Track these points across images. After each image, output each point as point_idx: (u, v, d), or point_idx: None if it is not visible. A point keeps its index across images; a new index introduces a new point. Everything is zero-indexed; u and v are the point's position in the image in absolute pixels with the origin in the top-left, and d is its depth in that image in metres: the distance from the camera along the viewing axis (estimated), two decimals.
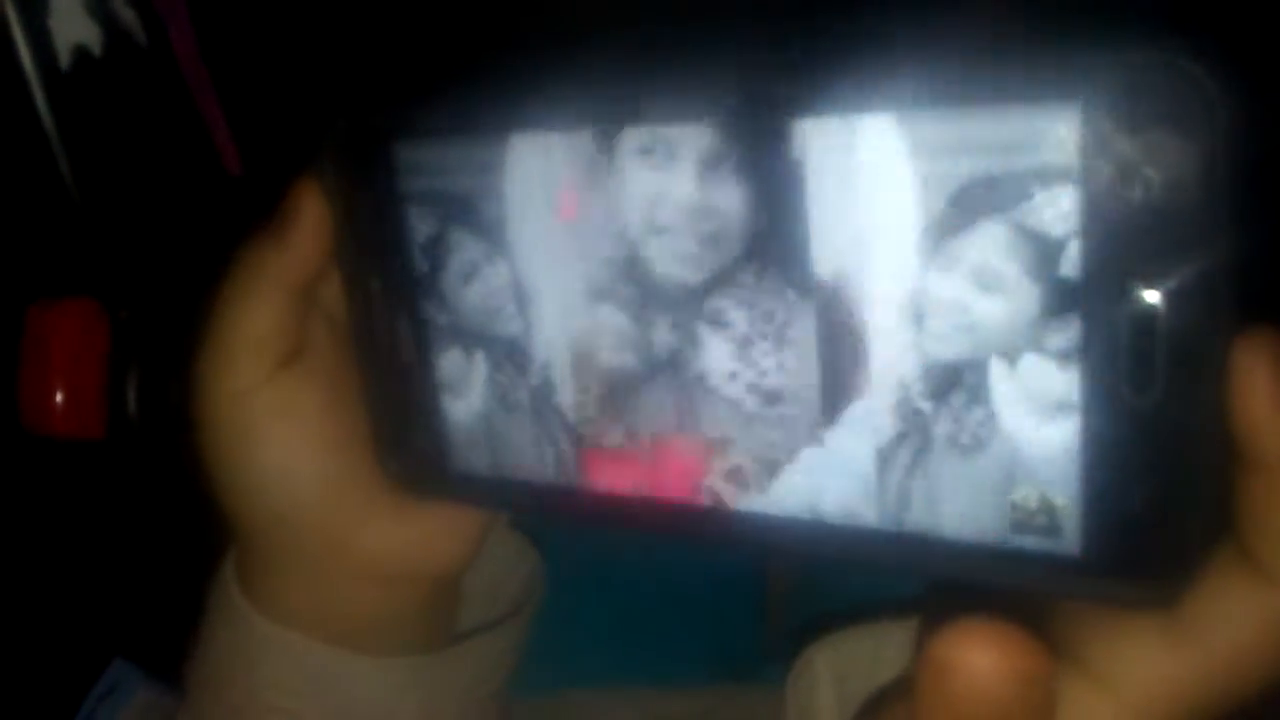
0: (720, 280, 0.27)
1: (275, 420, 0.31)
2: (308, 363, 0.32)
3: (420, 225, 0.31)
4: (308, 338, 0.32)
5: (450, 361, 0.32)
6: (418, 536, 0.34)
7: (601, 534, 0.42)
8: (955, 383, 0.24)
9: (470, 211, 0.30)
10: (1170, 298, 0.21)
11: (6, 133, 0.41)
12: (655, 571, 0.44)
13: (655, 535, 0.32)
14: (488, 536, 0.36)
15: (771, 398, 0.27)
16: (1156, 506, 0.22)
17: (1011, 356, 0.23)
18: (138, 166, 0.44)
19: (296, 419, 0.32)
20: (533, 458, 0.31)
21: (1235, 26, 0.25)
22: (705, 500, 0.29)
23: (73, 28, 0.41)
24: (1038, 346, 0.23)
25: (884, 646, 0.32)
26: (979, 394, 0.24)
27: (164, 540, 0.47)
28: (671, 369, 0.28)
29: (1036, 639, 0.22)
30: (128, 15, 0.43)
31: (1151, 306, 0.21)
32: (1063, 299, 0.22)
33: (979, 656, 0.22)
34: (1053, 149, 0.22)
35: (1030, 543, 0.24)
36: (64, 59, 0.41)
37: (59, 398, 0.41)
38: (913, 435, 0.25)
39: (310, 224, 0.31)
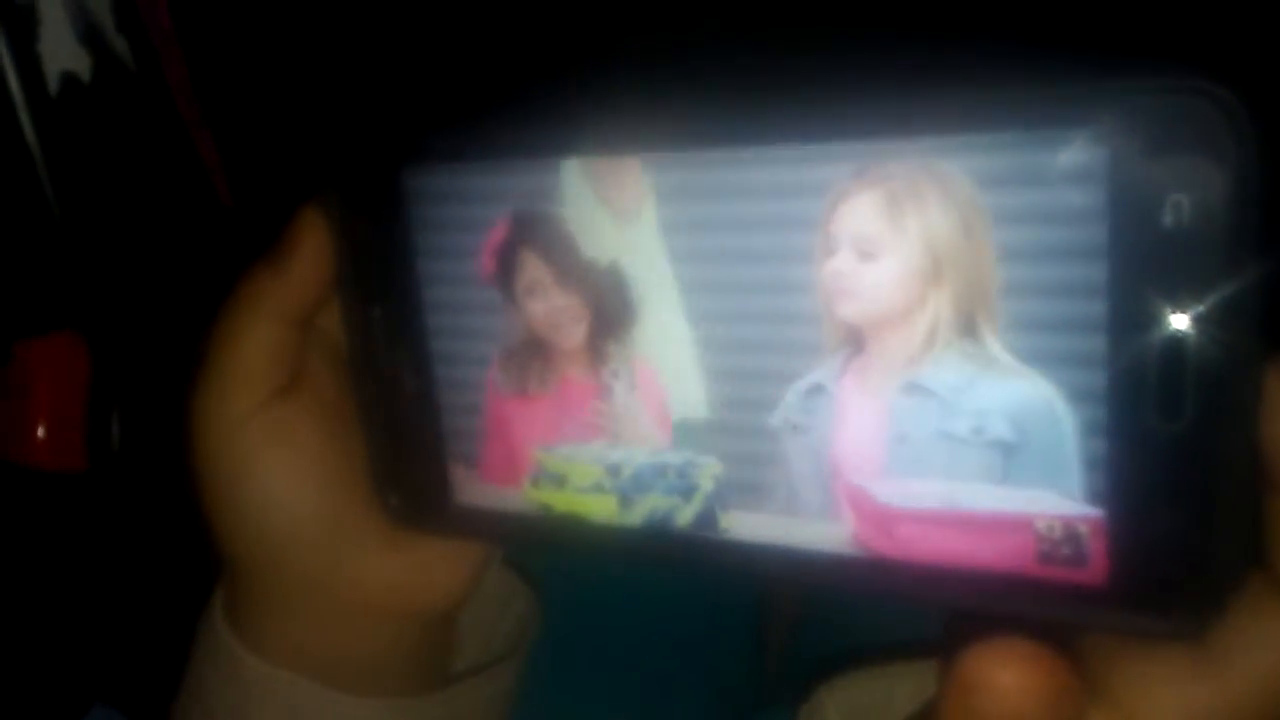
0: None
1: (270, 450, 0.31)
2: (305, 393, 0.32)
3: (423, 255, 0.30)
4: (305, 367, 0.32)
5: (451, 393, 0.31)
6: (414, 571, 0.33)
7: (597, 573, 0.42)
8: (981, 414, 0.24)
9: (474, 241, 0.30)
10: (1200, 323, 0.21)
11: None
12: (652, 611, 0.44)
13: (657, 567, 0.31)
14: (484, 574, 0.35)
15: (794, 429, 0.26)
16: (1185, 535, 0.22)
17: (1039, 384, 0.23)
18: (125, 196, 0.43)
19: (292, 449, 0.31)
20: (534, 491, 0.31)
21: (1265, 53, 0.26)
22: (719, 531, 0.28)
23: (62, 54, 0.40)
24: (1066, 374, 0.23)
25: (897, 688, 0.31)
26: (1005, 424, 0.23)
27: (146, 577, 0.46)
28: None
29: (1063, 658, 0.22)
30: (119, 43, 0.42)
31: (1181, 332, 0.21)
32: (1092, 325, 0.22)
33: (1006, 674, 0.22)
34: (1084, 176, 0.21)
35: (1056, 573, 0.24)
36: (53, 86, 0.40)
37: (41, 430, 0.41)
38: (935, 466, 0.25)
39: (311, 253, 0.30)
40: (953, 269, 0.22)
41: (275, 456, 0.31)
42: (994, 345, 0.22)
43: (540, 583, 0.41)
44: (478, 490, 0.32)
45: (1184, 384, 0.21)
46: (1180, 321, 0.21)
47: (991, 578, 0.24)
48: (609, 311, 0.26)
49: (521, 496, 0.27)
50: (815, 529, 0.23)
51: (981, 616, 0.25)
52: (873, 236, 0.22)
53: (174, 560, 0.36)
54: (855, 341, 0.23)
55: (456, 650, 0.38)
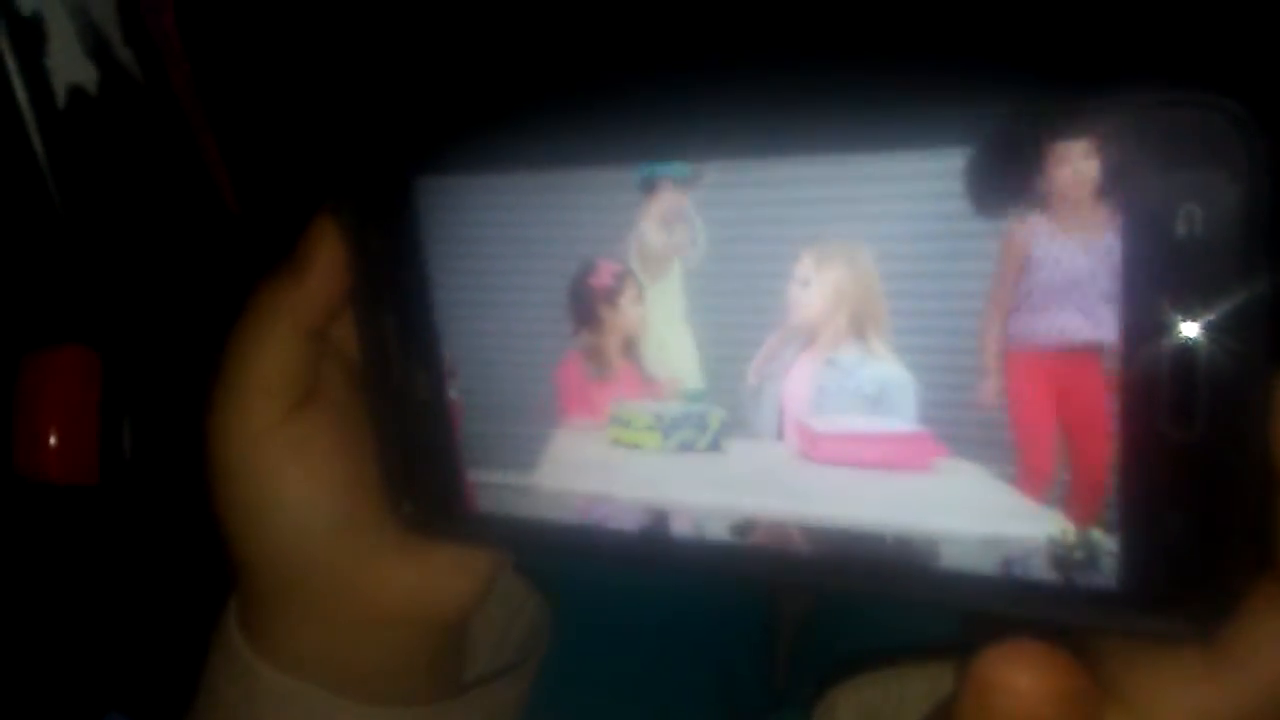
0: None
1: (289, 462, 0.31)
2: (320, 403, 0.32)
3: (436, 264, 0.31)
4: (320, 377, 0.32)
5: (463, 400, 0.31)
6: (427, 579, 0.33)
7: (605, 576, 0.42)
8: (993, 416, 0.24)
9: (488, 250, 0.30)
10: (1211, 331, 0.21)
11: (1, 173, 0.40)
12: (660, 614, 0.44)
13: (673, 574, 0.31)
14: (495, 581, 0.35)
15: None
16: (1196, 539, 0.22)
17: (1054, 391, 0.23)
18: (134, 208, 0.43)
19: (310, 461, 0.31)
20: (547, 497, 0.31)
21: (1277, 67, 0.26)
22: (728, 533, 0.28)
23: (70, 68, 0.41)
24: (1077, 381, 0.23)
25: (909, 689, 0.31)
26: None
27: (159, 588, 0.46)
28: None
29: (1078, 660, 0.22)
30: (126, 55, 0.42)
31: (1192, 340, 0.22)
32: (1104, 333, 0.22)
33: (1021, 675, 0.22)
34: (1096, 186, 0.22)
35: (1068, 577, 0.24)
36: (60, 99, 0.40)
37: (53, 442, 0.40)
38: (949, 469, 0.25)
39: (327, 263, 0.30)
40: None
41: (294, 469, 0.31)
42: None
43: (548, 586, 0.41)
44: (490, 497, 0.32)
45: (1195, 391, 0.22)
46: (1192, 330, 0.22)
47: (1005, 581, 0.25)
48: (653, 317, 0.30)
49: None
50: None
51: (996, 621, 0.25)
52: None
53: (186, 570, 0.36)
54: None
55: (468, 658, 0.38)
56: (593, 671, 0.44)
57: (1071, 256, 0.23)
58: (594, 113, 0.28)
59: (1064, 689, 0.22)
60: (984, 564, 0.25)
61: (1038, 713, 0.22)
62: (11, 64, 0.39)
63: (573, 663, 0.42)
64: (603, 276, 0.30)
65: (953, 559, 0.25)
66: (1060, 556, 0.24)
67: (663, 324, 0.30)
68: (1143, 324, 0.22)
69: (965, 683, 0.23)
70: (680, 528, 0.29)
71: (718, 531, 0.29)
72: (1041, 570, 0.24)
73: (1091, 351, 0.23)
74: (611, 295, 0.30)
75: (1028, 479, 0.25)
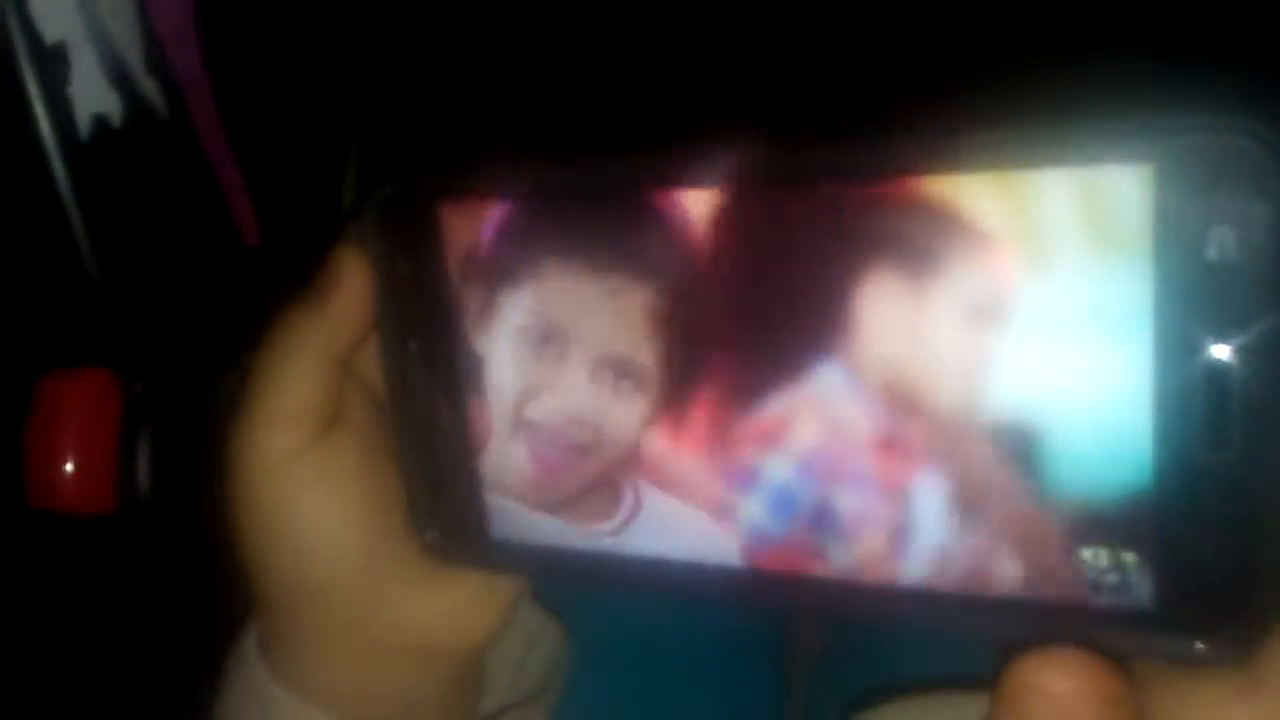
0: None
1: (313, 490, 0.31)
2: (344, 431, 0.32)
3: (461, 290, 0.31)
4: (344, 405, 0.32)
5: (488, 428, 0.31)
6: (450, 607, 0.33)
7: (618, 609, 0.42)
8: (1027, 442, 0.24)
9: (513, 276, 0.30)
10: (1245, 354, 0.21)
11: (24, 202, 0.40)
12: (675, 646, 0.44)
13: (698, 601, 0.31)
14: (514, 609, 0.35)
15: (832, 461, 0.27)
16: (1230, 561, 0.22)
17: (1085, 414, 0.23)
18: (155, 237, 0.43)
19: (334, 489, 0.31)
20: (571, 523, 0.31)
21: None
22: (756, 564, 0.28)
23: (93, 97, 0.41)
24: (1111, 403, 0.23)
25: (934, 718, 0.31)
26: (1051, 452, 0.24)
27: (176, 620, 0.45)
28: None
29: (1117, 669, 0.22)
30: (149, 85, 0.42)
31: (1226, 363, 0.22)
32: (1137, 356, 0.22)
33: (1060, 679, 0.22)
34: (1129, 209, 0.22)
35: (1101, 601, 0.24)
36: (83, 128, 0.41)
37: (69, 469, 0.40)
38: (980, 495, 0.25)
39: (353, 290, 0.30)
40: None
41: (318, 496, 0.31)
42: None
43: (563, 618, 0.41)
44: (514, 524, 0.32)
45: (1230, 413, 0.22)
46: (1225, 352, 0.22)
47: (1036, 606, 0.25)
48: None
49: None
50: None
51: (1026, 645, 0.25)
52: None
53: (204, 601, 0.36)
54: None
55: (486, 690, 0.38)
56: (607, 703, 0.43)
57: None
58: (623, 138, 0.28)
59: (1104, 692, 0.22)
60: (1014, 591, 0.25)
61: (1076, 716, 0.22)
62: (35, 92, 0.40)
63: (587, 695, 0.42)
64: None
65: (981, 586, 0.25)
66: (1093, 581, 0.24)
67: None
68: (1176, 346, 0.22)
69: (1000, 691, 0.23)
70: (702, 556, 0.29)
71: (740, 560, 0.29)
72: (1073, 595, 0.24)
73: None
74: None
75: None
